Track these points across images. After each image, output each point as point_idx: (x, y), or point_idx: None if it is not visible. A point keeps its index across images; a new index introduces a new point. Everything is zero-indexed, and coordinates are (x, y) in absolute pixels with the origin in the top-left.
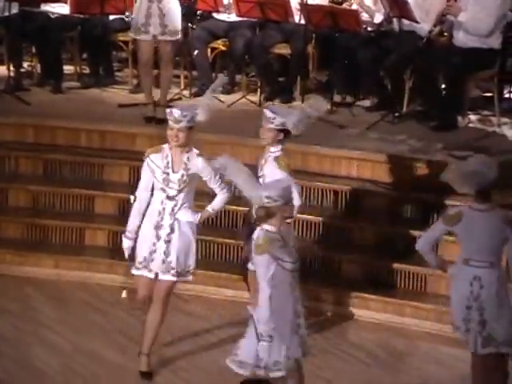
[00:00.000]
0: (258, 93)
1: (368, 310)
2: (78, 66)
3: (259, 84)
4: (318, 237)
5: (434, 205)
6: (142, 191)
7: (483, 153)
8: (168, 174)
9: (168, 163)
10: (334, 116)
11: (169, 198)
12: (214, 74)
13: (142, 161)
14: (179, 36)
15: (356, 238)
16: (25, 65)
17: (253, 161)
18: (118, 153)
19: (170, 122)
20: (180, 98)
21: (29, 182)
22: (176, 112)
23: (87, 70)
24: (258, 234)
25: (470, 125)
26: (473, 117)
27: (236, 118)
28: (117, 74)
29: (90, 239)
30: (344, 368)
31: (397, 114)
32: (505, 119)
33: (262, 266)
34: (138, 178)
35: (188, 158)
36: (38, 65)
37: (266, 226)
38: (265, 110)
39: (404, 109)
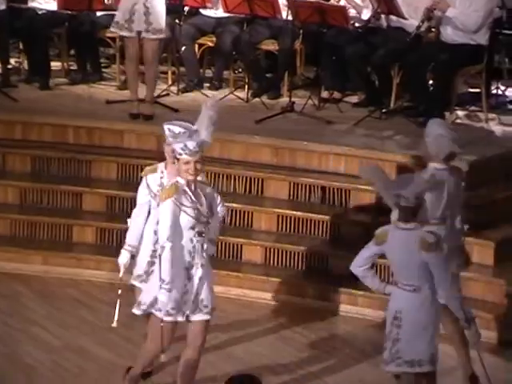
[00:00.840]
0: (246, 89)
1: (355, 305)
2: (65, 63)
3: (247, 80)
4: (305, 232)
5: None
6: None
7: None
8: (198, 208)
9: (191, 197)
10: (322, 112)
11: (199, 234)
12: (201, 70)
13: (130, 157)
14: (163, 35)
15: (344, 234)
16: (12, 61)
17: (242, 157)
18: (106, 149)
19: (185, 156)
20: (168, 94)
21: (16, 178)
22: (191, 144)
23: (75, 67)
24: (423, 234)
25: (458, 120)
26: (460, 112)
27: (224, 115)
28: (104, 70)
29: (78, 236)
30: (333, 363)
31: (384, 110)
32: (492, 115)
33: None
34: (126, 175)
35: (198, 187)
36: (26, 61)
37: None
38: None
39: (391, 105)
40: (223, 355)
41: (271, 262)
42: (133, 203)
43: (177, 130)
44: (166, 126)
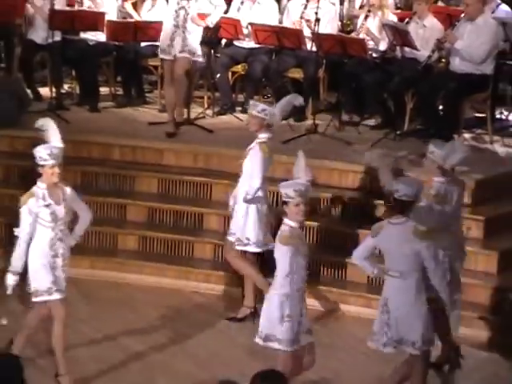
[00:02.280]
0: None
1: (370, 308)
2: (112, 88)
3: (275, 104)
4: (325, 242)
5: None
6: None
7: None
8: None
9: None
10: (342, 133)
11: None
12: (234, 95)
13: (169, 173)
14: (196, 58)
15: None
16: (65, 87)
17: (270, 174)
18: (148, 166)
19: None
20: (204, 117)
21: None
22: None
23: (121, 92)
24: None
25: (465, 142)
26: (467, 135)
27: (252, 135)
28: (147, 95)
29: (122, 243)
30: (348, 359)
31: (399, 132)
32: (496, 137)
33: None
34: (166, 189)
35: None
36: (77, 86)
37: None
38: None
39: (405, 127)
40: None
41: None
42: (172, 214)
43: (302, 187)
44: (289, 189)
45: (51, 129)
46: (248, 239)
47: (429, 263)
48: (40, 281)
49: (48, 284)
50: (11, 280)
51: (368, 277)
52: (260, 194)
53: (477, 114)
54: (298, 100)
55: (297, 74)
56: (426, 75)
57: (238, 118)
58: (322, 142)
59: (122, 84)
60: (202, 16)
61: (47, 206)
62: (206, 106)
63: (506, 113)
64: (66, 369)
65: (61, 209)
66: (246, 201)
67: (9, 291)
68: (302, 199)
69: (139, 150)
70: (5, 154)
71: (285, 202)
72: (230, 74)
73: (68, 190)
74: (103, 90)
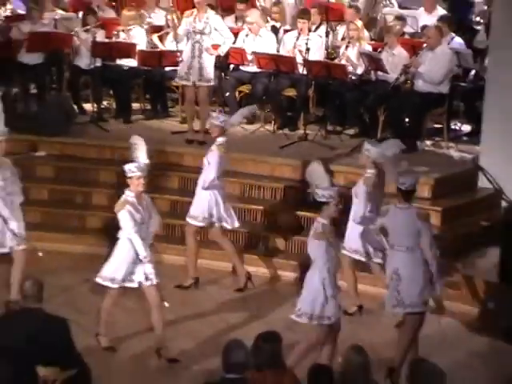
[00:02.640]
0: (273, 123)
1: None
2: (142, 104)
3: (273, 117)
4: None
5: None
6: None
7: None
8: None
9: None
10: (328, 141)
11: None
12: None
13: (188, 172)
14: (211, 83)
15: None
16: (104, 103)
17: (269, 173)
18: (171, 166)
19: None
20: None
21: (107, 187)
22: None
23: (149, 107)
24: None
25: (426, 148)
26: (428, 142)
27: (256, 142)
28: (170, 109)
29: None
30: None
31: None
32: (451, 144)
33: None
34: (185, 185)
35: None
36: (114, 103)
37: None
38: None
39: (378, 136)
40: None
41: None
42: (190, 206)
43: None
44: (333, 192)
45: (141, 147)
46: (211, 215)
47: (425, 238)
48: (120, 271)
49: (125, 275)
50: (150, 268)
51: None
52: (216, 182)
53: (435, 125)
54: (254, 108)
55: (291, 92)
56: (395, 94)
57: (243, 128)
58: (311, 148)
59: (150, 101)
60: (215, 46)
61: (138, 210)
62: None
63: (459, 124)
64: (106, 330)
65: (146, 213)
66: (204, 188)
67: (154, 281)
68: (339, 200)
69: (164, 153)
70: (55, 157)
71: (324, 202)
72: (237, 92)
73: (147, 197)
74: (135, 105)
